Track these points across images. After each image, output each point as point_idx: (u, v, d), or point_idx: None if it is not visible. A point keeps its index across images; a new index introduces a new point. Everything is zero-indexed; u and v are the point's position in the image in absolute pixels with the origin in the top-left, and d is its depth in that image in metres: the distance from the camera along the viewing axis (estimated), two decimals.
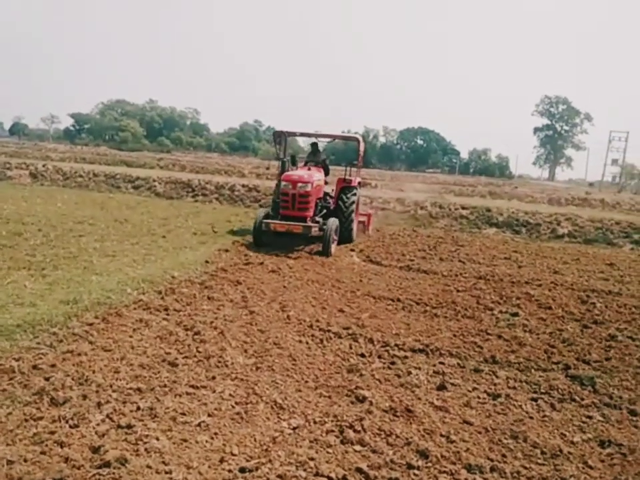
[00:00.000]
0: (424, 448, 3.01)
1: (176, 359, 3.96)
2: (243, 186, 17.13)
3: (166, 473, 2.60)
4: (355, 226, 10.68)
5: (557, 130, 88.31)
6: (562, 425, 3.51)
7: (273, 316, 5.29)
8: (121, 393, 3.36)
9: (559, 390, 4.04)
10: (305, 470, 2.73)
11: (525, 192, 26.05)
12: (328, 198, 10.42)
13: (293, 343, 4.60)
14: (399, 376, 4.13)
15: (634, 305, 6.76)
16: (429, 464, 2.90)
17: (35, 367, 3.59)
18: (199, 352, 4.14)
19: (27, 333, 4.15)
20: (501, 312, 6.15)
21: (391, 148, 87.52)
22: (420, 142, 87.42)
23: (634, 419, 3.68)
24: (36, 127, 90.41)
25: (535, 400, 3.88)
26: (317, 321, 5.29)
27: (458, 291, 7.08)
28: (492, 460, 3.00)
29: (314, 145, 11.62)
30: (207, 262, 7.38)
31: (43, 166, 19.48)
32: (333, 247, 9.15)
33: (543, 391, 4.05)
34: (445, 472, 2.84)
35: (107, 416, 3.07)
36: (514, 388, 4.08)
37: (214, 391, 3.52)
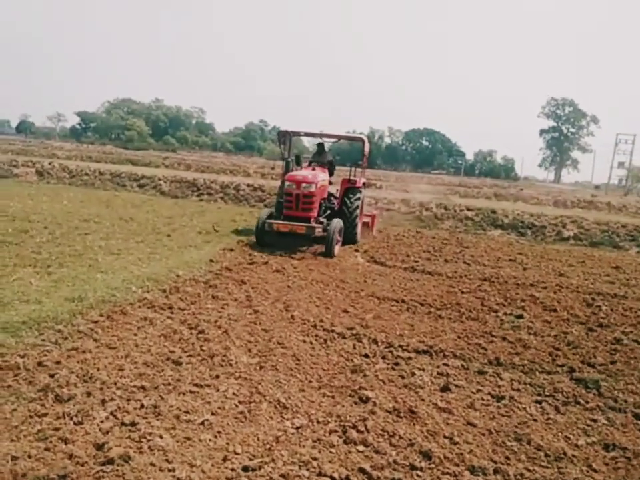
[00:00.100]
0: (427, 449, 3.01)
1: (180, 357, 3.96)
2: (248, 185, 17.17)
3: (169, 470, 2.60)
4: (359, 228, 10.66)
5: (563, 132, 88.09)
6: (566, 428, 3.49)
7: (277, 315, 5.30)
8: (125, 390, 3.37)
9: (564, 393, 4.02)
10: (307, 469, 2.73)
11: (530, 194, 25.97)
12: (332, 198, 10.38)
13: (296, 342, 4.60)
14: (402, 377, 4.12)
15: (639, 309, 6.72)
16: (432, 465, 2.89)
17: (39, 363, 3.61)
18: (203, 351, 4.14)
19: (32, 330, 4.17)
20: (505, 314, 6.13)
21: (396, 149, 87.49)
22: (425, 143, 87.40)
23: (639, 422, 3.65)
24: (42, 125, 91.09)
25: (539, 402, 3.86)
26: (321, 321, 5.28)
27: (462, 292, 7.06)
28: (495, 462, 2.98)
29: (320, 145, 11.58)
30: (211, 261, 7.40)
31: (49, 164, 19.57)
32: (337, 248, 9.11)
33: (547, 393, 4.03)
34: (447, 473, 2.83)
35: (111, 413, 3.08)
36: (518, 390, 4.06)
37: (218, 390, 3.52)
